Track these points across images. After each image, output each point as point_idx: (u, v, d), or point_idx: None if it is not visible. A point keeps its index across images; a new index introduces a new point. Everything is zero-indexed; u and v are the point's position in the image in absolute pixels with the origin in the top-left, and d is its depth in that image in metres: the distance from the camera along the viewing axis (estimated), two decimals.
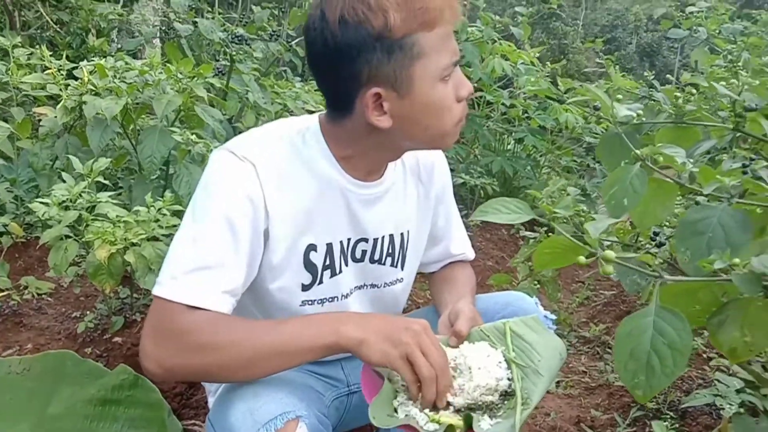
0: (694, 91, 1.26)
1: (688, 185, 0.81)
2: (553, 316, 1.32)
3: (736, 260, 0.61)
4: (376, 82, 0.98)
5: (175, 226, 1.66)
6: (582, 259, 0.62)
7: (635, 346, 0.59)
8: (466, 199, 4.61)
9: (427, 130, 1.04)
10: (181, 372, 1.00)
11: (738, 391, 1.49)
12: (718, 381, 1.53)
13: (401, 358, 0.92)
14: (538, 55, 3.96)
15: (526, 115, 4.56)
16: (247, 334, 0.94)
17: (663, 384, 0.59)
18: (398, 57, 0.96)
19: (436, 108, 1.02)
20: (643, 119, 1.00)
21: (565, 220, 3.31)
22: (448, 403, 0.95)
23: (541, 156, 4.88)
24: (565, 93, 2.40)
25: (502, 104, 4.45)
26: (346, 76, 0.99)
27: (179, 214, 1.71)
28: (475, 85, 4.40)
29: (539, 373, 0.99)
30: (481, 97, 4.50)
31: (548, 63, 4.40)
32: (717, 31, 2.85)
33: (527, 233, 1.83)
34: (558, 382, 2.16)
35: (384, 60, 0.96)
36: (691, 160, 0.82)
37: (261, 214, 1.02)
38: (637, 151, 0.79)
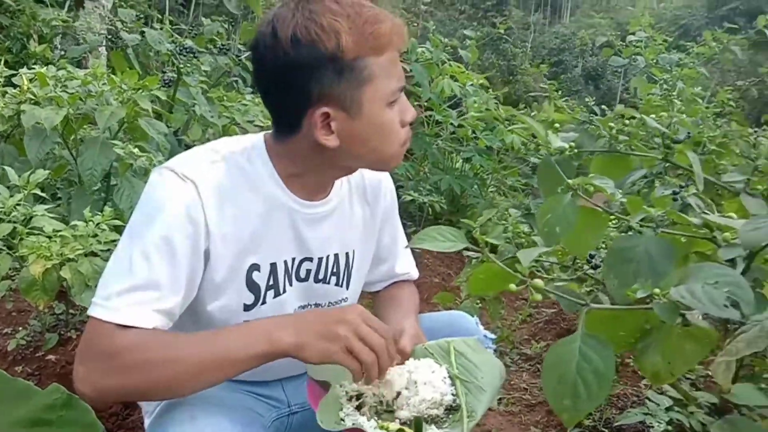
0: (627, 121, 1.32)
1: (618, 214, 0.84)
2: (493, 336, 1.35)
3: (656, 290, 0.64)
4: (326, 101, 0.98)
5: (114, 241, 1.62)
6: (512, 286, 0.64)
7: (563, 372, 0.62)
8: (415, 216, 4.65)
9: (373, 152, 1.05)
10: (115, 394, 0.97)
11: (667, 409, 1.55)
12: (649, 399, 1.59)
13: (342, 351, 0.92)
14: (482, 81, 4.05)
15: (473, 135, 4.66)
16: (180, 350, 0.93)
17: (588, 408, 0.61)
18: (349, 79, 0.97)
19: (383, 131, 1.03)
20: (575, 150, 1.04)
21: (507, 241, 3.38)
22: (395, 417, 0.96)
23: (487, 175, 4.98)
24: (505, 120, 2.48)
25: (451, 124, 4.53)
26: (296, 95, 0.99)
27: (119, 229, 1.67)
28: (426, 104, 4.48)
29: (482, 389, 1.01)
30: (430, 116, 4.58)
31: (498, 83, 4.52)
32: (654, 61, 2.99)
33: (470, 253, 1.86)
34: (499, 399, 2.20)
35: (335, 81, 0.97)
36: (620, 192, 0.86)
37: (201, 234, 1.01)
38: (569, 181, 0.82)
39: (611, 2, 62.36)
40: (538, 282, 0.62)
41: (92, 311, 0.94)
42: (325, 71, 0.96)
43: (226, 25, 2.52)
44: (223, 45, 2.36)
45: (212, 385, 0.94)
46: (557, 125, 1.34)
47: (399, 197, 4.15)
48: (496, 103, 4.53)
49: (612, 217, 0.86)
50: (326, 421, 0.91)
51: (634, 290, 0.66)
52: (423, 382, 0.98)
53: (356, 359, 0.92)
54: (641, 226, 0.86)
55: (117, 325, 0.92)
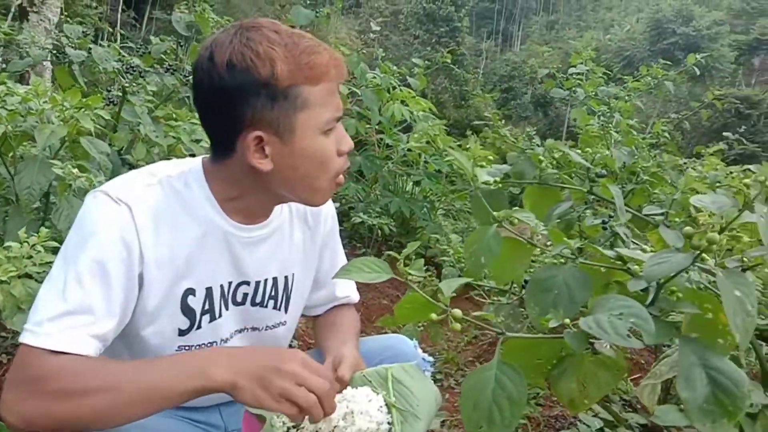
0: (556, 155, 1.38)
1: (541, 245, 0.89)
2: (431, 360, 1.38)
3: (567, 320, 0.68)
4: (259, 126, 1.00)
5: (49, 263, 1.58)
6: (434, 316, 0.67)
7: (478, 398, 0.65)
8: (365, 237, 4.69)
9: (305, 179, 1.07)
10: (44, 422, 0.93)
11: (598, 431, 1.60)
12: (581, 422, 1.64)
13: (274, 399, 0.90)
14: (430, 107, 4.15)
15: (423, 159, 4.74)
16: (112, 379, 0.91)
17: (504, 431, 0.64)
18: (282, 105, 0.99)
19: (316, 158, 1.05)
20: (499, 184, 1.09)
21: (451, 265, 3.43)
22: None
23: (437, 199, 5.06)
24: (443, 150, 2.55)
25: (401, 148, 4.60)
26: (230, 118, 1.00)
27: (55, 250, 1.63)
28: (377, 127, 4.55)
29: (417, 417, 1.02)
30: (381, 139, 4.65)
31: (451, 108, 4.63)
32: (594, 93, 3.13)
33: (412, 271, 1.89)
34: (442, 421, 2.22)
35: (268, 106, 0.99)
36: (543, 225, 0.91)
37: (135, 259, 1.01)
38: (495, 214, 0.87)
39: (560, 33, 64.60)
40: (457, 312, 0.65)
41: (23, 338, 0.92)
42: (258, 97, 0.98)
43: (175, 45, 2.50)
44: (170, 65, 2.35)
45: (144, 417, 0.92)
46: (489, 158, 1.40)
47: (349, 219, 4.18)
48: (445, 130, 4.66)
49: (534, 248, 0.90)
50: None
51: (547, 319, 0.70)
52: (359, 411, 0.99)
53: (295, 404, 0.91)
54: (570, 255, 0.90)
55: (48, 351, 0.90)
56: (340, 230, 4.24)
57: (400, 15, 50.90)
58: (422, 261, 0.68)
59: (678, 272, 0.74)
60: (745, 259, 1.32)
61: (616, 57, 43.54)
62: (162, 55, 2.68)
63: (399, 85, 4.21)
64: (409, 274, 0.65)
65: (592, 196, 1.34)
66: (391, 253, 1.12)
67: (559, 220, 1.31)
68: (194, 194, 1.08)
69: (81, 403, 0.89)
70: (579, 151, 3.07)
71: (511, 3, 72.98)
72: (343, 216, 4.89)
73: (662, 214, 1.26)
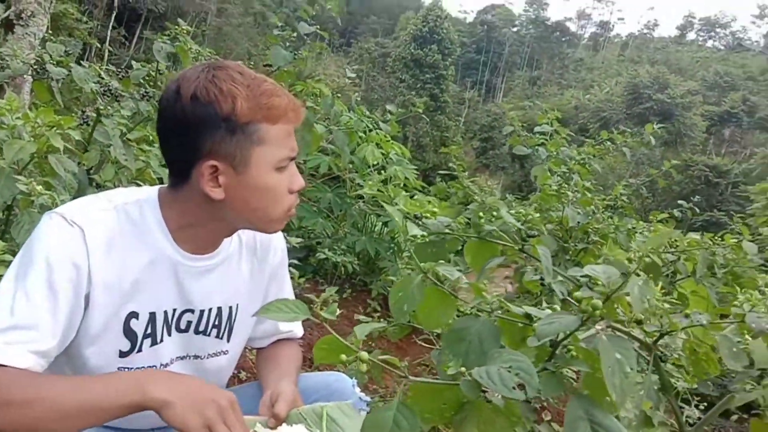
0: (495, 213, 1.47)
1: (461, 298, 0.96)
2: (368, 399, 1.42)
3: (462, 368, 0.75)
4: (216, 156, 1.07)
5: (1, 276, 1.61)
6: (343, 357, 0.73)
7: None
8: (329, 274, 4.72)
9: (255, 212, 1.13)
10: None
11: None
12: None
13: (201, 426, 0.96)
14: (404, 151, 4.27)
15: (393, 200, 4.83)
16: (46, 391, 0.95)
17: None
18: (240, 138, 1.06)
19: (268, 193, 1.12)
20: (426, 239, 1.17)
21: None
22: None
23: (403, 241, 5.14)
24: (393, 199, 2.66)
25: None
26: (189, 147, 1.07)
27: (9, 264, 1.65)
28: (349, 167, 4.65)
29: None
30: (353, 179, 4.73)
31: (430, 152, 4.76)
32: (555, 153, 3.27)
33: (361, 317, 1.95)
34: None
35: (226, 138, 1.06)
36: (462, 276, 0.98)
37: (84, 280, 1.05)
38: (421, 265, 0.94)
39: (541, 89, 66.44)
40: (363, 355, 0.71)
41: None
42: (218, 129, 1.05)
43: (154, 72, 2.57)
44: (146, 91, 2.42)
45: (83, 429, 0.96)
46: (435, 210, 1.48)
47: (315, 254, 4.21)
48: (416, 174, 4.78)
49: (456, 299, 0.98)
50: None
51: (446, 367, 0.76)
52: None
53: None
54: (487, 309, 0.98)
55: None
56: (305, 265, 4.30)
57: (388, 58, 51.93)
58: (335, 306, 0.74)
59: (570, 332, 0.82)
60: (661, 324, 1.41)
61: (593, 117, 44.86)
62: (141, 80, 2.74)
63: (375, 128, 4.33)
64: (324, 317, 0.72)
65: (523, 253, 1.42)
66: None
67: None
68: (147, 222, 1.14)
69: (21, 413, 0.93)
70: (536, 207, 3.19)
71: (497, 56, 74.99)
72: (309, 251, 4.94)
73: (586, 276, 1.35)
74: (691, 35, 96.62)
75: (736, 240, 2.47)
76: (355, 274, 4.72)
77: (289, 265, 3.67)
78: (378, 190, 2.07)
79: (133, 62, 2.97)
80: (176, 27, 2.63)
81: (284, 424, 1.12)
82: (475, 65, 73.26)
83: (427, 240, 1.27)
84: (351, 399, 1.29)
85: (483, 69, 73.65)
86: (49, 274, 1.02)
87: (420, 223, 1.29)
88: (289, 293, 1.48)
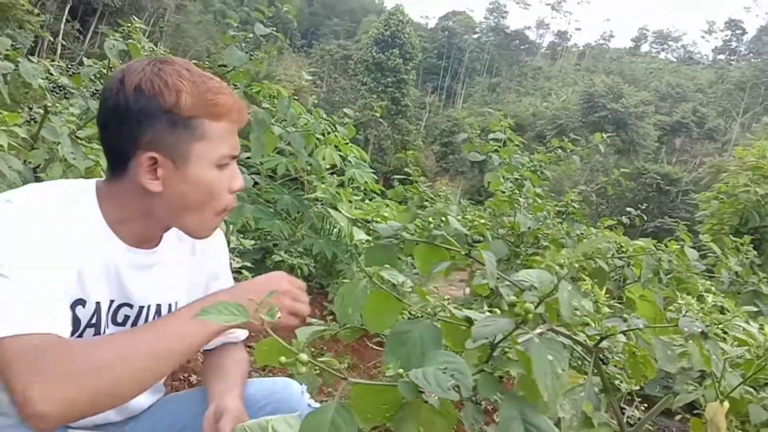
0: (443, 219, 1.49)
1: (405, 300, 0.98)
2: (317, 405, 1.42)
3: (401, 370, 0.77)
4: (156, 148, 1.06)
5: None
6: (282, 359, 0.74)
7: None
8: None
9: (192, 208, 1.12)
10: (82, 402, 0.89)
11: None
12: None
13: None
14: (362, 154, 4.29)
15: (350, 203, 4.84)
16: (129, 345, 0.96)
17: None
18: (181, 132, 1.06)
19: (206, 189, 1.11)
20: (372, 243, 1.19)
21: None
22: None
23: (361, 243, 5.15)
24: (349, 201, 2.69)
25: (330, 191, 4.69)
26: (129, 137, 1.06)
27: None
28: (307, 168, 4.64)
29: None
30: (311, 181, 4.72)
31: (391, 155, 4.79)
32: (508, 160, 3.33)
33: (312, 320, 1.95)
34: None
35: (167, 130, 1.05)
36: (407, 280, 1.00)
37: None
38: (366, 270, 0.96)
39: (500, 96, 67.51)
40: (302, 357, 0.72)
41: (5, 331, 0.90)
42: (159, 121, 1.05)
43: (106, 70, 2.52)
44: (97, 89, 2.37)
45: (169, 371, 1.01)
46: (385, 214, 1.49)
47: (271, 256, 4.17)
48: (375, 179, 4.80)
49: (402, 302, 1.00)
50: None
51: (387, 368, 0.78)
52: None
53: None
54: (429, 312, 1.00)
55: (54, 336, 0.92)
56: (261, 267, 4.26)
57: (350, 60, 51.99)
58: (276, 309, 0.75)
59: (506, 335, 0.84)
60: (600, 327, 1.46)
61: (550, 124, 45.82)
62: (92, 78, 2.68)
63: (333, 131, 4.33)
64: (265, 319, 0.72)
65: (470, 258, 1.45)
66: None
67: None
68: (86, 214, 1.11)
69: (116, 371, 0.92)
70: (490, 212, 3.24)
71: (457, 62, 75.86)
72: (265, 253, 4.90)
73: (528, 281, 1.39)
74: (645, 47, 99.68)
75: (678, 246, 2.57)
76: (312, 276, 4.70)
77: (243, 267, 3.65)
78: (331, 193, 2.07)
79: (86, 59, 2.91)
80: (129, 24, 2.59)
81: None
82: (436, 70, 73.96)
83: (378, 244, 1.29)
84: (298, 407, 1.29)
85: (444, 74, 74.41)
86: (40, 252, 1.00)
87: (370, 227, 1.30)
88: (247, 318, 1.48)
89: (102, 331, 1.16)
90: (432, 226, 1.36)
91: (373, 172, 4.89)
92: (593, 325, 1.37)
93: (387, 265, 1.01)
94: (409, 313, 1.53)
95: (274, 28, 2.57)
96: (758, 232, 4.11)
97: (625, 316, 1.33)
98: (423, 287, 1.23)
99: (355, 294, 0.95)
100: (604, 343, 1.61)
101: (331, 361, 0.82)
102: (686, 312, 1.37)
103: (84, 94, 2.34)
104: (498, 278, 1.12)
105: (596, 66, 78.64)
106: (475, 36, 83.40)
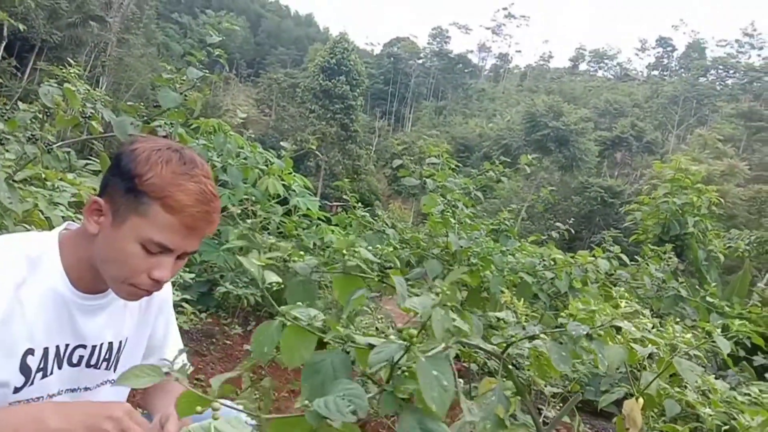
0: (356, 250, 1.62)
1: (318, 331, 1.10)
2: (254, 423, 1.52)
3: (306, 401, 0.89)
4: (107, 198, 1.18)
5: None
6: (198, 408, 0.86)
7: None
8: (230, 307, 4.74)
9: (106, 263, 1.21)
10: None
11: None
12: None
13: None
14: (306, 182, 4.40)
15: (296, 231, 4.93)
16: None
17: None
18: (130, 200, 1.16)
19: (121, 257, 1.18)
20: (282, 285, 1.31)
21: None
22: None
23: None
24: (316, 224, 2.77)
25: (275, 220, 4.78)
26: (103, 182, 1.21)
27: None
28: (252, 199, 4.72)
29: None
30: (254, 211, 4.80)
31: (346, 180, 4.90)
32: (442, 183, 3.50)
33: (248, 346, 2.03)
34: None
35: (123, 191, 1.16)
36: (318, 314, 1.12)
37: None
38: (279, 309, 1.07)
39: (447, 118, 68.81)
40: (216, 405, 0.85)
41: None
42: (123, 181, 1.16)
43: (40, 115, 2.58)
44: (33, 134, 2.42)
45: None
46: (301, 252, 1.61)
47: (216, 287, 4.22)
48: (317, 205, 4.91)
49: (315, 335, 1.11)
50: None
51: (297, 401, 0.89)
52: None
53: None
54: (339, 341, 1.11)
55: None
56: (208, 299, 4.31)
57: (298, 89, 52.20)
58: (186, 368, 0.87)
59: (399, 358, 0.97)
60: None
61: (495, 144, 46.89)
62: (28, 121, 2.73)
63: (273, 162, 4.44)
64: (177, 377, 0.84)
65: (383, 283, 1.59)
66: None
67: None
68: (45, 265, 1.22)
69: None
70: (427, 233, 3.39)
71: (404, 87, 77.10)
72: (212, 285, 4.92)
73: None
74: (583, 66, 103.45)
75: (593, 257, 2.76)
76: (259, 305, 4.75)
77: (185, 300, 3.69)
78: (247, 237, 2.17)
79: (25, 99, 2.95)
80: (63, 68, 2.66)
81: None
82: (384, 95, 74.97)
83: (299, 281, 1.40)
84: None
85: (392, 99, 75.47)
86: None
87: (288, 266, 1.42)
88: (175, 328, 1.58)
89: (50, 372, 1.24)
90: (346, 257, 1.48)
91: (323, 200, 5.00)
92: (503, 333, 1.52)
93: (299, 303, 1.12)
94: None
95: (206, 71, 2.68)
96: (680, 240, 4.40)
97: (524, 324, 1.48)
98: (342, 315, 1.36)
99: (269, 332, 1.06)
100: (513, 350, 1.76)
101: (245, 403, 0.93)
102: (573, 318, 1.53)
103: (19, 139, 2.39)
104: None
105: (537, 86, 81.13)
106: (420, 61, 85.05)
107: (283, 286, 4.56)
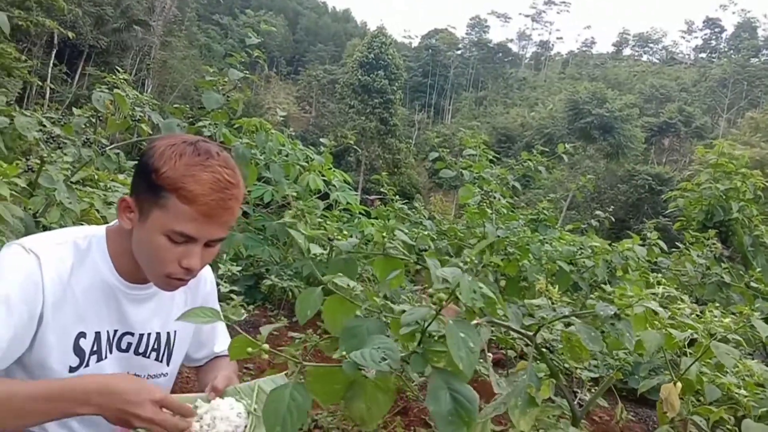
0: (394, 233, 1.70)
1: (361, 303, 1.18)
2: None
3: (344, 352, 0.97)
4: (134, 196, 1.27)
5: None
6: (249, 350, 0.94)
7: (277, 406, 0.92)
8: (276, 299, 4.90)
9: (143, 259, 1.29)
10: None
11: None
12: None
13: (148, 423, 1.14)
14: (346, 177, 4.51)
15: (337, 225, 5.05)
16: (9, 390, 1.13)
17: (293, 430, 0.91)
18: (151, 195, 1.23)
19: (150, 251, 1.25)
20: (325, 258, 1.40)
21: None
22: None
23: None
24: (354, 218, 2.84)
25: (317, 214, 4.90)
26: (132, 181, 1.28)
27: None
28: (293, 195, 4.86)
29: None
30: (297, 206, 4.94)
31: (384, 174, 4.99)
32: (479, 174, 3.54)
33: (294, 333, 2.15)
34: None
35: (145, 188, 1.24)
36: (357, 285, 1.20)
37: (39, 300, 1.23)
38: (321, 278, 1.16)
39: (488, 108, 68.18)
40: (266, 346, 0.93)
41: None
42: (145, 177, 1.24)
43: (93, 119, 2.74)
44: (88, 138, 2.58)
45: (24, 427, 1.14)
46: (345, 232, 1.70)
47: (263, 280, 4.37)
48: (356, 198, 5.01)
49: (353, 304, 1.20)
50: None
51: (334, 351, 0.97)
52: (221, 417, 1.20)
53: None
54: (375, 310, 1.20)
55: None
56: (255, 293, 4.47)
57: (337, 84, 52.53)
58: (241, 309, 0.95)
59: (430, 321, 1.04)
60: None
61: (537, 134, 46.23)
62: (82, 126, 2.90)
63: (314, 158, 4.56)
64: (229, 320, 0.92)
65: (418, 265, 1.66)
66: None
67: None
68: (93, 255, 1.33)
69: None
70: (465, 224, 3.44)
71: (443, 79, 76.64)
72: (258, 279, 5.09)
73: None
74: (627, 51, 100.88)
75: (630, 245, 2.76)
76: None
77: (232, 292, 3.84)
78: (296, 215, 2.28)
79: (75, 104, 3.12)
80: (111, 74, 2.81)
81: (218, 398, 1.27)
82: (423, 88, 74.70)
83: (340, 258, 1.49)
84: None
85: (430, 92, 75.15)
86: (6, 291, 1.19)
87: (332, 244, 1.50)
88: (221, 323, 1.67)
89: (104, 357, 1.35)
90: (385, 240, 1.56)
91: (364, 194, 5.10)
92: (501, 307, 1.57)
93: (340, 274, 1.21)
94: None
95: (247, 72, 2.78)
96: (724, 226, 4.31)
97: (554, 306, 1.53)
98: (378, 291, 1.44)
99: (312, 298, 1.15)
100: (548, 335, 1.81)
101: (289, 350, 1.01)
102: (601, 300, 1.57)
103: (75, 142, 2.55)
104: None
105: (580, 73, 79.46)
106: (459, 52, 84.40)
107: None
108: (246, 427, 1.24)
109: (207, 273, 1.58)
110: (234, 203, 1.24)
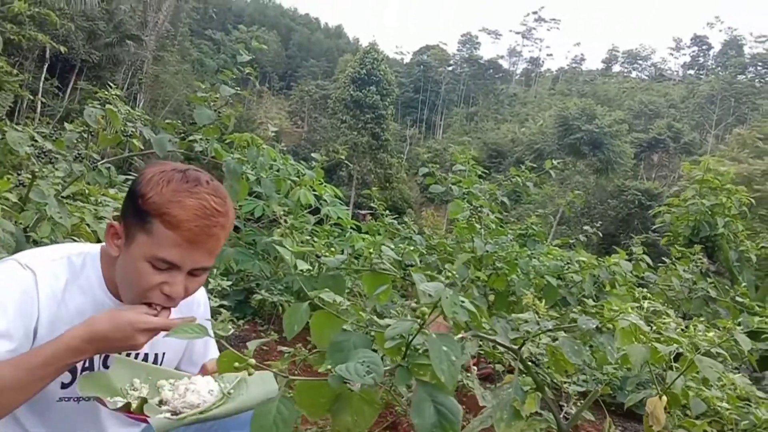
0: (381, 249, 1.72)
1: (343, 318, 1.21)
2: None
3: (329, 366, 0.99)
4: (122, 221, 1.29)
5: None
6: (236, 364, 0.96)
7: (264, 420, 0.94)
8: (266, 314, 4.88)
9: (124, 284, 1.31)
10: None
11: None
12: None
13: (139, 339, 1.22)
14: (337, 192, 4.53)
15: (328, 240, 5.06)
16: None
17: None
18: (137, 220, 1.25)
19: (132, 276, 1.27)
20: (314, 272, 1.42)
21: None
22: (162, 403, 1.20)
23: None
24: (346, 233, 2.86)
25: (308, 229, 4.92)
26: (122, 205, 1.31)
27: None
28: (284, 210, 4.87)
29: (233, 400, 1.23)
30: (286, 221, 4.95)
31: (375, 189, 5.02)
32: (468, 190, 3.58)
33: (283, 348, 2.16)
34: None
35: (131, 212, 1.27)
36: (343, 299, 1.23)
37: (34, 315, 1.25)
38: (309, 293, 1.18)
39: (479, 124, 68.58)
40: (251, 361, 0.94)
41: None
42: (132, 202, 1.27)
43: (84, 135, 2.76)
44: (79, 153, 2.59)
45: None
46: (333, 249, 1.72)
47: (253, 294, 4.37)
48: (347, 213, 5.04)
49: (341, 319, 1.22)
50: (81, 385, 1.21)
51: (322, 365, 1.00)
52: (192, 390, 1.21)
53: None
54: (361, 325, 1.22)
55: None
56: (245, 307, 4.48)
57: (329, 100, 52.73)
58: (228, 324, 0.97)
59: (414, 335, 1.07)
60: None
61: (528, 149, 46.50)
62: (74, 141, 2.91)
63: (305, 173, 4.58)
64: (217, 335, 0.94)
65: (404, 279, 1.68)
66: None
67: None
68: (87, 273, 1.35)
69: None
70: (454, 238, 3.47)
71: (434, 95, 77.15)
72: (248, 293, 5.08)
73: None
74: (616, 67, 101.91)
75: (616, 260, 2.80)
76: None
77: (222, 307, 3.84)
78: (284, 233, 2.30)
79: (67, 118, 3.14)
80: (103, 89, 2.83)
81: (198, 376, 1.27)
82: (414, 104, 75.13)
83: (328, 274, 1.52)
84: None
85: (422, 107, 75.58)
86: (2, 306, 1.20)
87: (319, 261, 1.53)
88: (213, 342, 1.67)
89: (97, 369, 1.37)
90: (373, 256, 1.58)
91: (356, 208, 5.12)
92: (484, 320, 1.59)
93: (326, 289, 1.23)
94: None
95: (238, 88, 2.81)
96: (710, 241, 4.37)
97: (538, 320, 1.56)
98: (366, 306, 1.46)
99: (299, 313, 1.17)
100: (534, 349, 1.83)
101: (276, 365, 1.03)
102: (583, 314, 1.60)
103: (67, 157, 2.57)
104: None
105: (570, 89, 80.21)
106: (450, 68, 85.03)
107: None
108: (213, 404, 1.23)
109: (201, 295, 1.59)
110: (219, 231, 1.24)
